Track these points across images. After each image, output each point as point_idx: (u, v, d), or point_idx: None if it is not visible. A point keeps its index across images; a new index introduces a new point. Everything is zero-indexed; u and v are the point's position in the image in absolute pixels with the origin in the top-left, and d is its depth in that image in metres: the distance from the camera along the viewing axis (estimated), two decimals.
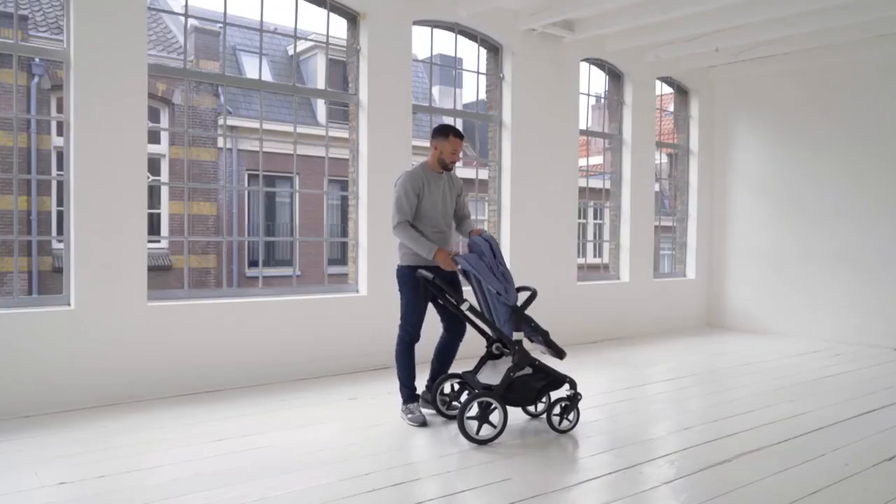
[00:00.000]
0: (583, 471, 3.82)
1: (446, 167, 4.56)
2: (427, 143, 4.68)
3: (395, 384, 4.53)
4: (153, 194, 13.90)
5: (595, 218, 15.44)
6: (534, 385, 4.30)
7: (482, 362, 4.53)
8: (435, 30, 6.94)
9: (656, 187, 9.01)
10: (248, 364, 5.51)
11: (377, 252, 6.26)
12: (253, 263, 16.01)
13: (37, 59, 12.66)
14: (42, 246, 13.10)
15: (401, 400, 4.61)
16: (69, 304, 4.86)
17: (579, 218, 8.26)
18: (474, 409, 4.17)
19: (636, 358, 7.12)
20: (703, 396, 5.61)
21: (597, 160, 16.38)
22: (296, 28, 6.33)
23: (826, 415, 4.86)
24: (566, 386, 4.36)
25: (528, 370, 4.29)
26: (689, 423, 4.71)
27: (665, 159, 14.14)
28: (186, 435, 4.20)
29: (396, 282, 4.58)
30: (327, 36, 6.42)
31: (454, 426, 4.25)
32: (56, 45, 7.13)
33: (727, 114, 9.29)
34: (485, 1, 6.60)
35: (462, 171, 18.55)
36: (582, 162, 15.76)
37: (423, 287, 4.48)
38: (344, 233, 13.18)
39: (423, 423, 4.46)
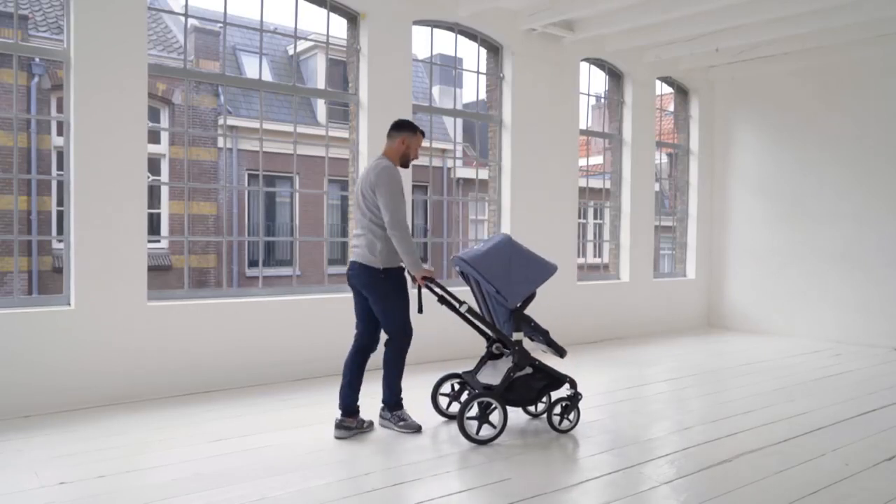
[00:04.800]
0: (583, 471, 3.81)
1: (406, 164, 4.29)
2: (424, 144, 4.54)
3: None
4: (153, 194, 13.90)
5: (595, 218, 15.44)
6: (534, 385, 4.30)
7: (482, 362, 4.54)
8: (435, 30, 6.94)
9: (656, 187, 9.02)
10: (247, 364, 5.51)
11: None
12: (253, 263, 16.02)
13: (37, 59, 12.66)
14: (42, 246, 13.11)
15: (388, 408, 4.40)
16: (69, 304, 4.86)
17: (579, 218, 8.26)
18: (474, 410, 4.17)
19: (636, 358, 7.12)
20: (703, 396, 5.60)
21: (597, 160, 16.36)
22: (296, 28, 6.33)
23: (826, 415, 4.86)
24: (566, 386, 4.37)
25: (528, 370, 4.29)
26: (689, 423, 4.70)
27: (665, 159, 14.15)
28: (186, 435, 4.20)
29: (383, 287, 4.15)
30: (327, 36, 6.42)
31: (454, 426, 4.25)
32: (56, 45, 7.13)
33: (727, 114, 9.29)
34: (485, 1, 6.60)
35: (462, 171, 18.67)
36: (582, 162, 15.76)
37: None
38: (344, 233, 13.18)
39: (419, 429, 4.32)
